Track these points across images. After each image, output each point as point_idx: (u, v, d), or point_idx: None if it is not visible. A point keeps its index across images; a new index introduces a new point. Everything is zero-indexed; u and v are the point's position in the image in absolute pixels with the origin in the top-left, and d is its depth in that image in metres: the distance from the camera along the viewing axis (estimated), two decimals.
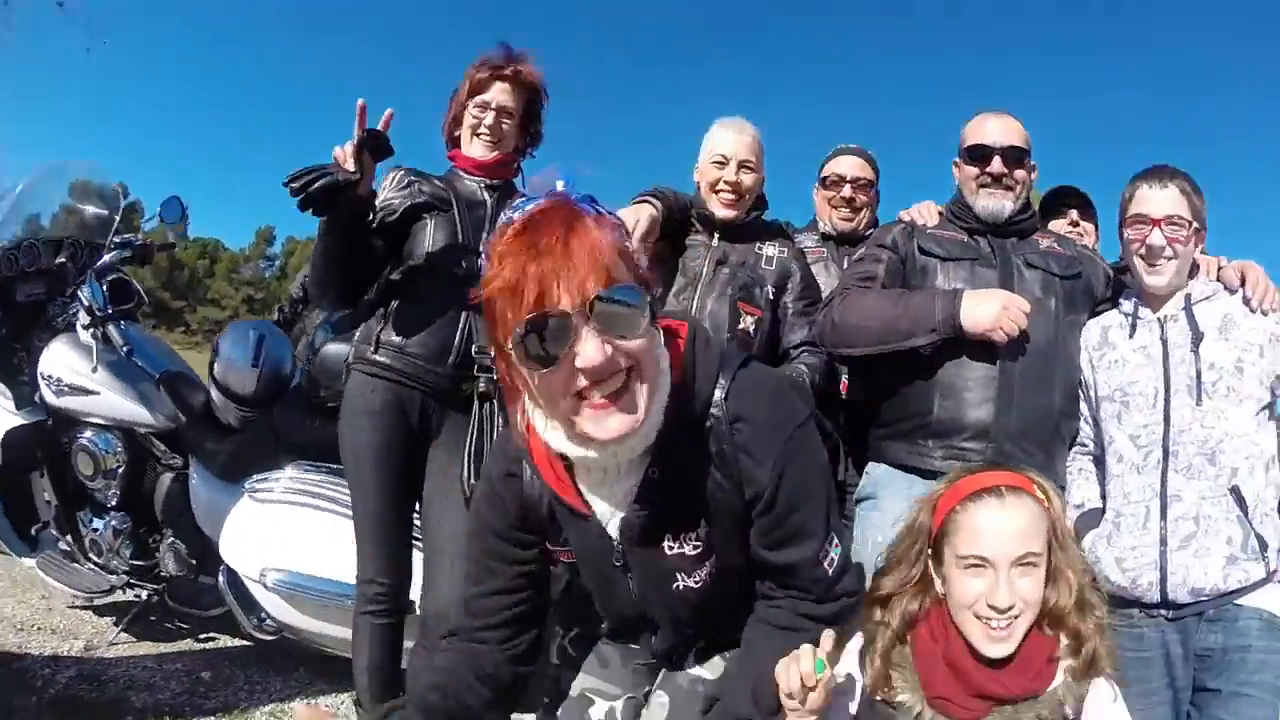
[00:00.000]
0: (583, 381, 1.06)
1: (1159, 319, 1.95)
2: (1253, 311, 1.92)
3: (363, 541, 2.13)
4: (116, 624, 3.30)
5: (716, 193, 2.35)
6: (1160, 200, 1.89)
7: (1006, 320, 1.90)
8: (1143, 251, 1.90)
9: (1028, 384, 1.99)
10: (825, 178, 2.83)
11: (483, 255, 2.11)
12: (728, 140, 2.35)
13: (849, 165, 2.81)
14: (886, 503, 2.03)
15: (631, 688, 1.56)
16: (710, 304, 2.30)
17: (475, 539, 1.45)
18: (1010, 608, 1.36)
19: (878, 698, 1.47)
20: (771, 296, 2.36)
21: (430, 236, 2.22)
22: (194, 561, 3.04)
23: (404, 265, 2.23)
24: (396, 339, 2.14)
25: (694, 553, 1.32)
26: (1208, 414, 1.85)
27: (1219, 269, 2.04)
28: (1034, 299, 2.00)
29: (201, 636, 3.41)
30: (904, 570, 1.50)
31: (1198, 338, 1.89)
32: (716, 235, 2.40)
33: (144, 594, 3.16)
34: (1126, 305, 2.03)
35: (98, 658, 3.15)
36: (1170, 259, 1.88)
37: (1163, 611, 1.86)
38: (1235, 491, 1.82)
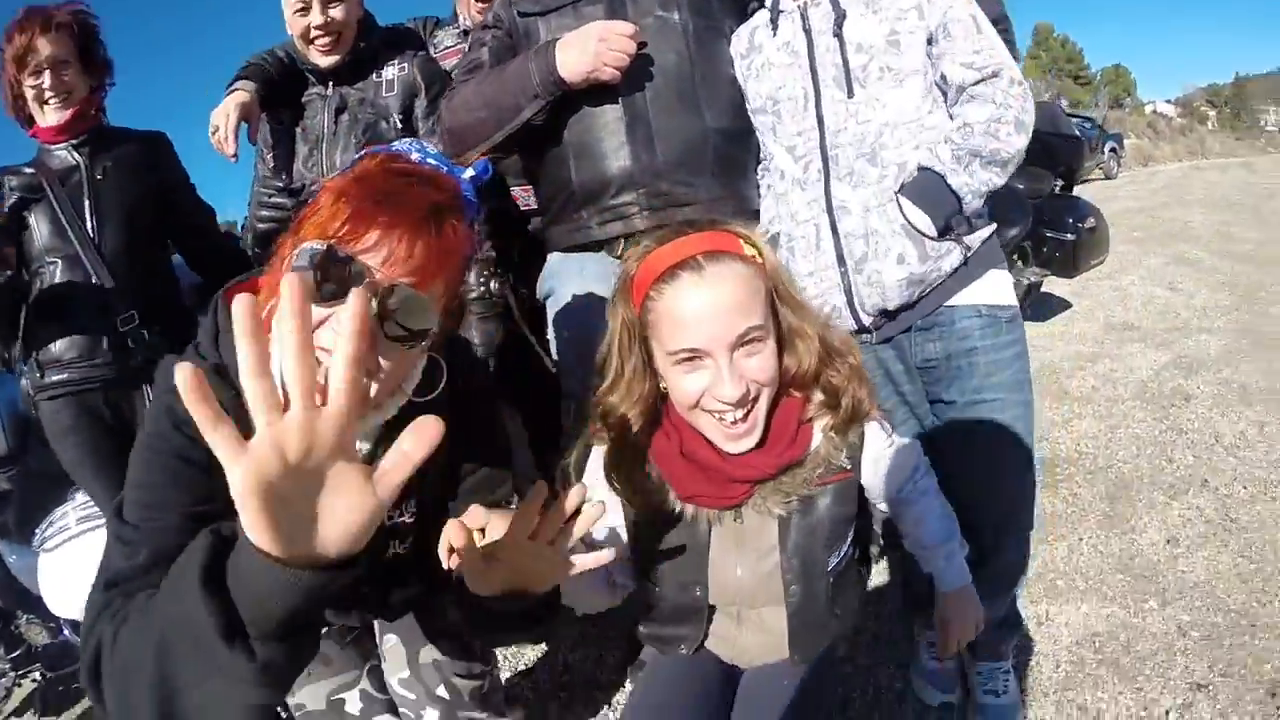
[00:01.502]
0: (319, 340, 0.92)
1: (799, 5, 1.67)
2: None
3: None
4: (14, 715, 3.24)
5: (311, 42, 2.10)
6: None
7: (606, 53, 1.63)
8: None
9: (664, 110, 1.72)
10: None
11: (89, 217, 2.05)
12: None
13: None
14: (563, 291, 1.87)
15: (361, 661, 1.47)
16: (339, 159, 2.09)
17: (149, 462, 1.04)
18: (743, 395, 1.18)
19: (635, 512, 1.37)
20: (400, 124, 2.12)
21: (36, 232, 2.08)
22: (53, 624, 2.99)
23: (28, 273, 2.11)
24: (51, 352, 2.06)
25: (410, 520, 1.27)
26: (862, 106, 1.59)
27: None
28: (653, 18, 1.74)
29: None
30: (624, 380, 1.28)
31: (840, 16, 1.61)
32: (330, 83, 2.17)
33: (34, 676, 3.09)
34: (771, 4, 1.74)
35: None
36: None
37: (864, 336, 1.69)
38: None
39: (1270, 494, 2.99)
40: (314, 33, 2.07)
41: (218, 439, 0.60)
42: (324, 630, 1.43)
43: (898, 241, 1.57)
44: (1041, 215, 4.51)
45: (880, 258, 1.59)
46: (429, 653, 1.42)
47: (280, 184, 2.08)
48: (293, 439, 0.61)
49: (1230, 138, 35.01)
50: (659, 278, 1.19)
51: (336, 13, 2.07)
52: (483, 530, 1.04)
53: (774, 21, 1.72)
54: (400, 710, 1.43)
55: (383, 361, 0.98)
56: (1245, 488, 3.06)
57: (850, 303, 1.64)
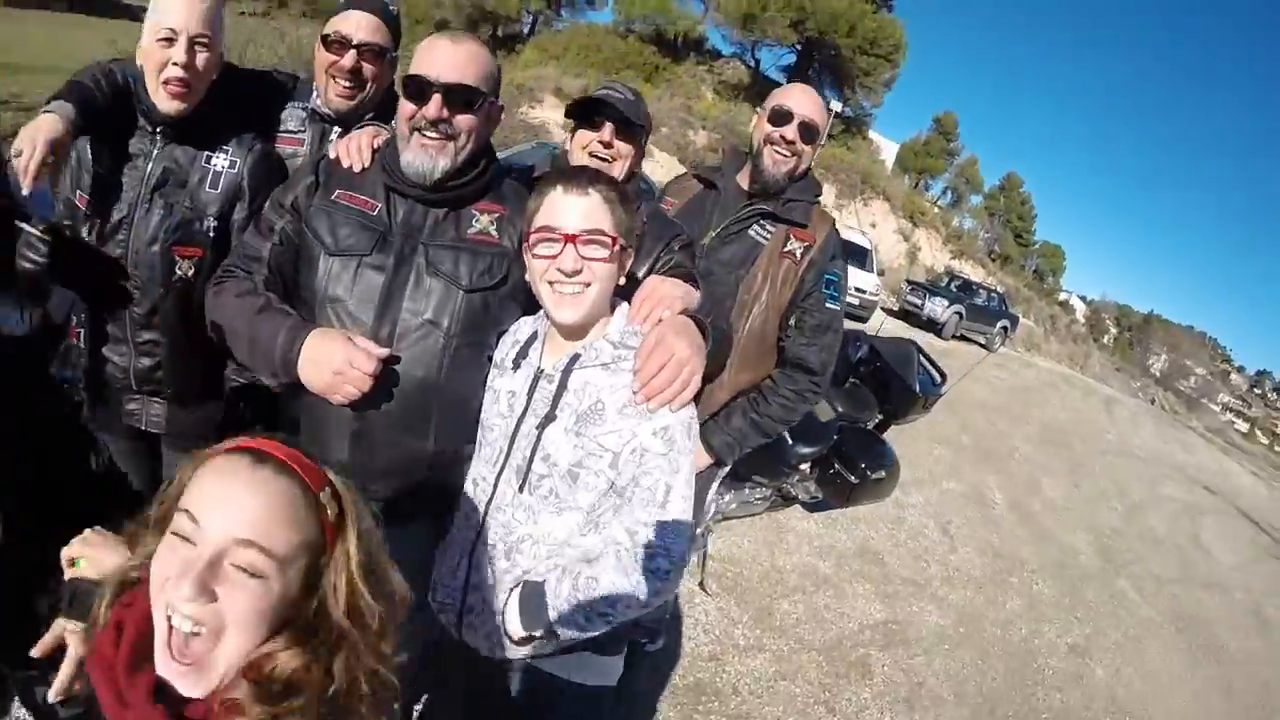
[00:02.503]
0: None
1: (538, 370, 1.65)
2: (638, 404, 1.53)
3: None
4: None
5: (165, 83, 1.92)
6: (577, 209, 1.55)
7: (341, 386, 1.60)
8: (551, 276, 1.56)
9: (391, 429, 1.72)
10: (326, 36, 2.24)
11: None
12: (175, 8, 1.89)
13: (356, 24, 2.23)
14: None
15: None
16: (142, 249, 2.00)
17: None
18: (196, 610, 0.94)
19: None
20: (214, 228, 2.05)
21: None
22: None
23: None
24: None
25: None
26: (519, 510, 1.63)
27: (659, 320, 1.64)
28: (421, 322, 1.69)
29: None
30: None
31: (548, 418, 1.59)
32: (159, 134, 2.01)
33: None
34: (539, 324, 1.71)
35: None
36: (587, 285, 1.55)
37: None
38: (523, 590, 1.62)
39: None
40: (170, 70, 1.90)
41: None
42: None
43: (492, 622, 1.68)
44: (841, 444, 4.58)
45: (482, 618, 1.70)
46: None
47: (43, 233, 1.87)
48: None
49: (1113, 364, 37.64)
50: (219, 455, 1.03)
51: (201, 59, 1.94)
52: None
53: (516, 362, 1.70)
54: None
55: None
56: None
57: (459, 626, 1.74)
